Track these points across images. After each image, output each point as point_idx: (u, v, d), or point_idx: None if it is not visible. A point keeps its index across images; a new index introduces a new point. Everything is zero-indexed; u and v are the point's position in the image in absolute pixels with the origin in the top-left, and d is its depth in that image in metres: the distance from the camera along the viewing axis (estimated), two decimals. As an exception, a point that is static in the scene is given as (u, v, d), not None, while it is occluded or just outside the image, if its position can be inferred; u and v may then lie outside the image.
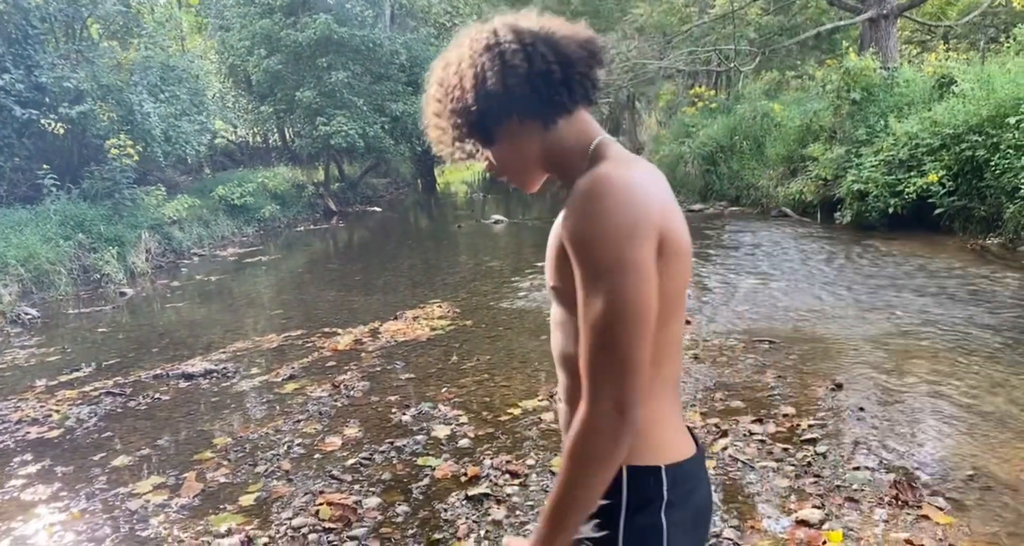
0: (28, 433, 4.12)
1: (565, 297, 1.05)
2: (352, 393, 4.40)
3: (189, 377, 4.93)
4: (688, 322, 5.42)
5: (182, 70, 12.86)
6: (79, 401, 4.62)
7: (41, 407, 4.53)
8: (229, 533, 2.87)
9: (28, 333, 6.73)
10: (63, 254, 8.79)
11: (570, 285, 0.98)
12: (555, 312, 1.12)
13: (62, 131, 9.87)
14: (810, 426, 3.50)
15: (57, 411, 4.44)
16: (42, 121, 9.75)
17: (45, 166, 9.87)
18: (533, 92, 1.03)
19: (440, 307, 6.35)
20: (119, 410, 4.43)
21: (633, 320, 0.92)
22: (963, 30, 15.36)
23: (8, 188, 10.09)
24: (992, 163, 7.02)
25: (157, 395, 4.63)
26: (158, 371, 5.11)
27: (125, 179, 10.32)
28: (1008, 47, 9.36)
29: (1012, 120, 6.96)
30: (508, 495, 3.05)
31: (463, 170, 27.49)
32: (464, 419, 3.86)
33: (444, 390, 4.33)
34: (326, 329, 5.92)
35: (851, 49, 10.48)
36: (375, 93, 15.90)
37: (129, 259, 9.69)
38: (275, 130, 19.62)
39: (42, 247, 8.48)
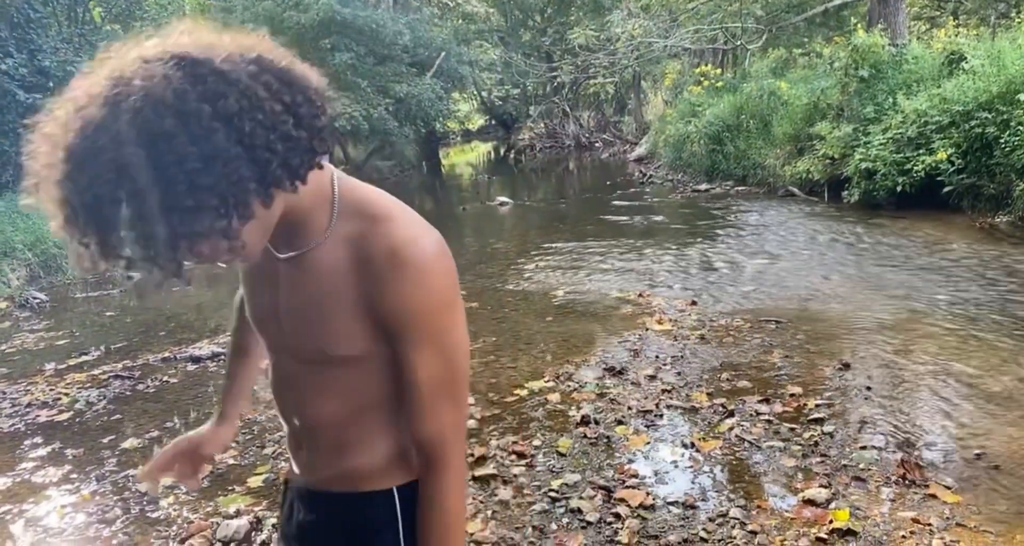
0: (38, 416, 4.15)
1: (345, 357, 0.99)
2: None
3: (197, 360, 4.95)
4: (694, 303, 5.40)
5: (185, 53, 12.78)
6: (88, 384, 4.65)
7: (51, 390, 4.56)
8: (238, 514, 2.90)
9: (37, 317, 6.76)
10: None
11: (359, 349, 0.97)
12: (312, 374, 1.03)
13: (66, 115, 9.86)
14: (817, 406, 3.50)
15: (66, 394, 4.47)
16: (46, 105, 9.72)
17: (50, 151, 9.86)
18: (287, 153, 0.82)
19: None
20: (128, 393, 4.45)
21: (465, 379, 1.04)
22: (973, 5, 15.15)
23: (14, 173, 10.09)
24: (1002, 140, 6.95)
25: (165, 378, 4.66)
26: (166, 354, 5.14)
27: (130, 163, 10.31)
28: (1019, 22, 9.23)
29: (1023, 97, 6.88)
30: (515, 476, 3.06)
31: (468, 152, 27.41)
32: (470, 400, 3.87)
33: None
34: (332, 312, 5.92)
35: (859, 26, 10.35)
36: (379, 75, 15.80)
37: (135, 243, 9.71)
38: (279, 113, 19.53)
39: (49, 231, 8.49)
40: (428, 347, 0.96)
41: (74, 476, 3.38)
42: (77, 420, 4.08)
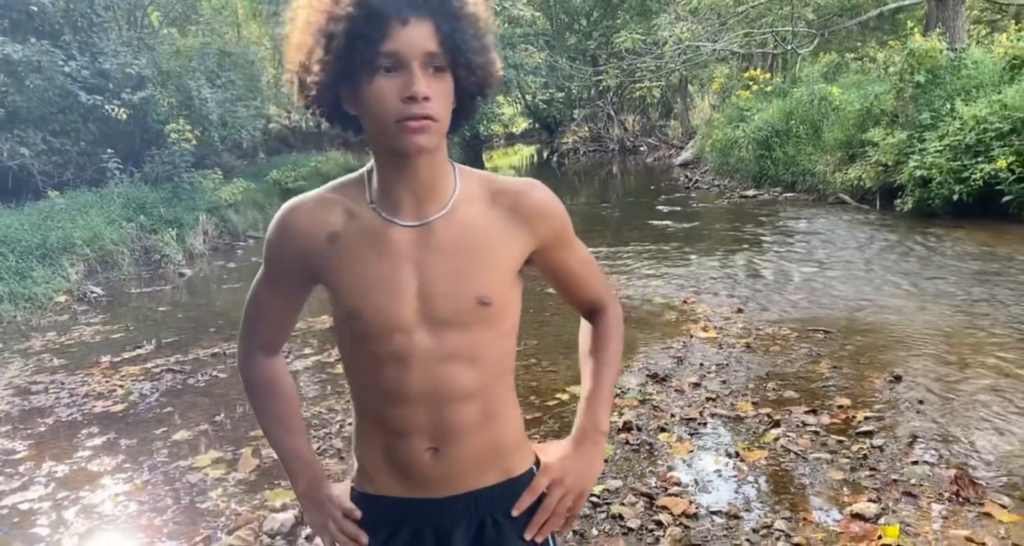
0: (94, 407, 4.29)
1: (497, 309, 1.08)
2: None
3: (245, 356, 5.06)
4: (740, 310, 5.33)
5: (238, 56, 13.11)
6: (142, 377, 4.79)
7: (106, 382, 4.72)
8: (284, 508, 2.95)
9: (94, 311, 6.99)
10: (126, 235, 9.09)
11: (505, 293, 1.09)
12: (465, 339, 1.07)
13: (124, 116, 10.16)
14: (866, 418, 3.42)
15: (121, 386, 4.61)
16: (106, 107, 10.05)
17: (109, 150, 10.19)
18: None
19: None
20: (179, 386, 4.58)
21: None
22: (1037, 9, 14.62)
23: (75, 171, 10.45)
24: (1066, 148, 6.69)
25: (215, 373, 4.77)
26: (215, 349, 5.27)
27: (184, 163, 10.58)
28: (1087, 26, 8.88)
29: (1089, 103, 6.62)
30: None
31: (511, 155, 27.47)
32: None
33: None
34: (377, 312, 5.99)
35: (916, 29, 10.09)
36: (425, 78, 15.93)
37: (188, 241, 9.97)
38: (327, 115, 19.83)
39: (106, 228, 8.78)
40: (575, 241, 1.19)
41: (127, 465, 3.49)
42: (131, 411, 4.21)
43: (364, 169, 1.10)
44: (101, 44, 10.48)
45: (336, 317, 1.12)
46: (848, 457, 3.08)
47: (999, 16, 16.30)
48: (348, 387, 1.19)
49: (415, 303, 1.04)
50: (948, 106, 8.43)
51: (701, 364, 4.30)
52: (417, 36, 0.93)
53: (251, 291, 1.19)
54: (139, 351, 5.40)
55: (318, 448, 3.51)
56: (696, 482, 2.98)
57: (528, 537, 1.15)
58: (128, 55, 10.66)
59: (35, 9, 9.95)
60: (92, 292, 7.53)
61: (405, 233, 1.05)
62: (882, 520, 2.59)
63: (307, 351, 5.12)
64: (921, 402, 3.56)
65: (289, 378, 1.27)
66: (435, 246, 1.04)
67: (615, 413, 3.64)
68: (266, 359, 1.23)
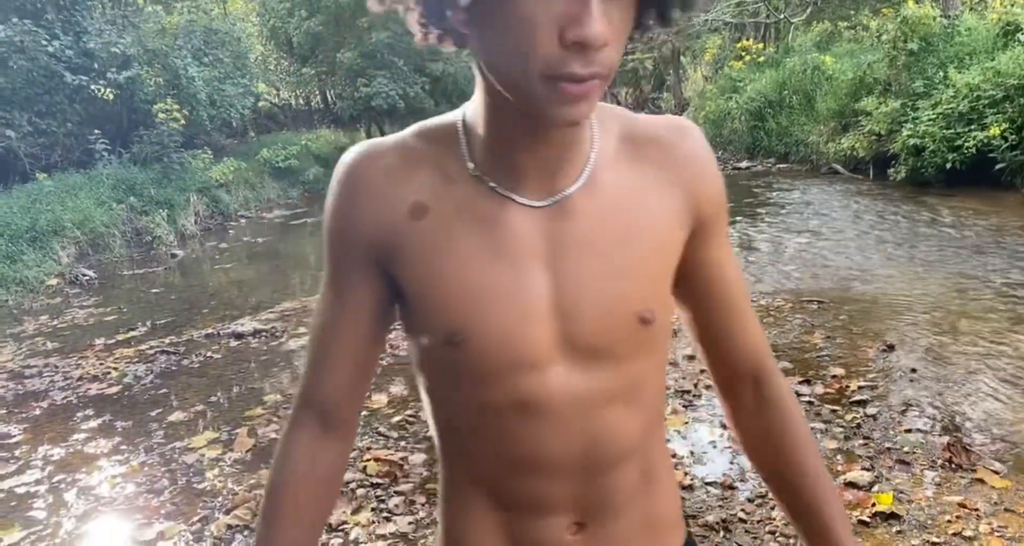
0: (89, 389, 4.29)
1: (659, 326, 0.73)
2: (398, 352, 4.45)
3: (239, 336, 5.05)
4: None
5: (225, 33, 12.93)
6: (136, 359, 4.78)
7: (100, 364, 4.70)
8: (281, 487, 2.96)
9: (86, 293, 6.96)
10: (116, 217, 9.03)
11: (667, 300, 0.75)
12: (621, 374, 0.72)
13: (111, 96, 10.04)
14: (860, 387, 3.44)
15: (115, 368, 4.60)
16: (92, 87, 9.92)
17: (96, 131, 10.08)
18: None
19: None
20: (173, 368, 4.57)
21: None
22: (1032, -27, 14.49)
23: (62, 153, 10.35)
24: (1060, 115, 6.68)
25: (209, 354, 4.77)
26: (209, 330, 5.25)
27: (173, 143, 10.49)
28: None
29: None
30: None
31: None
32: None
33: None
34: (370, 290, 5.98)
35: (910, -4, 9.99)
36: (416, 53, 15.77)
37: (179, 221, 9.91)
38: (317, 92, 19.68)
39: (96, 210, 8.72)
40: (729, 243, 0.80)
41: (124, 447, 3.49)
42: (126, 393, 4.20)
43: (456, 114, 0.73)
44: (85, 23, 10.32)
45: (416, 339, 0.74)
46: (842, 426, 3.10)
47: (993, -18, 16.15)
48: (437, 443, 0.81)
49: (551, 324, 0.69)
50: (941, 74, 8.38)
51: (695, 337, 4.31)
52: None
53: (314, 315, 0.79)
54: (132, 333, 5.39)
55: (314, 427, 3.52)
56: (691, 454, 2.99)
57: None
58: (113, 34, 10.51)
59: (15, -13, 9.78)
60: (84, 275, 7.50)
61: (530, 216, 0.69)
62: (876, 488, 2.62)
63: (302, 330, 5.11)
64: (914, 371, 3.58)
65: (340, 482, 0.84)
66: (573, 235, 0.69)
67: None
68: (320, 437, 0.79)
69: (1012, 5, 9.27)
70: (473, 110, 0.70)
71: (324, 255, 0.76)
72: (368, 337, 0.76)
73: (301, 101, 21.24)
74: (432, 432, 0.81)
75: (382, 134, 18.59)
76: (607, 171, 0.70)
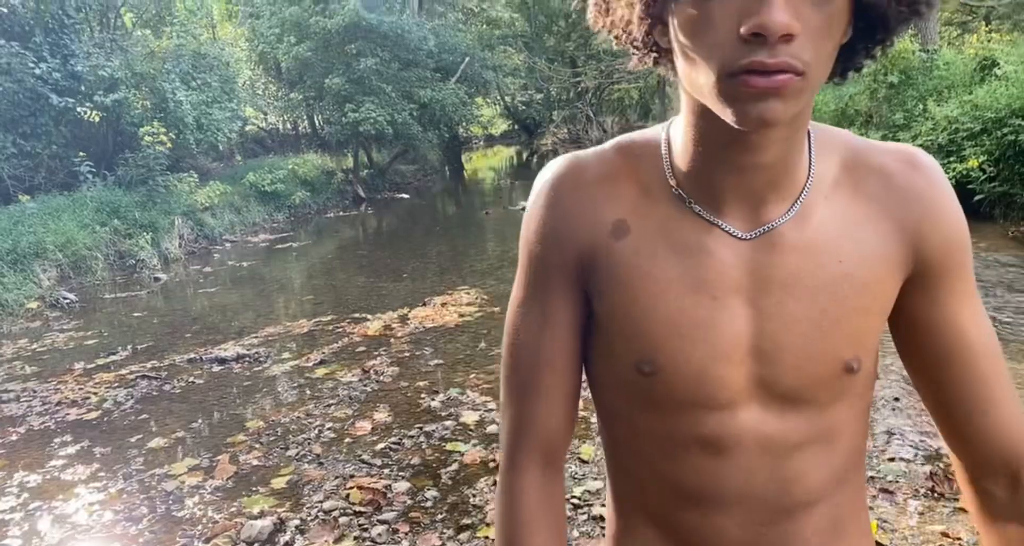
0: (68, 414, 4.22)
1: (864, 374, 0.68)
2: (382, 378, 4.43)
3: (222, 361, 5.01)
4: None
5: (213, 58, 12.97)
6: (116, 384, 4.71)
7: (80, 389, 4.64)
8: (262, 515, 2.92)
9: (67, 317, 6.88)
10: (99, 240, 8.96)
11: (876, 348, 0.69)
12: (818, 420, 0.67)
13: (97, 119, 10.03)
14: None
15: (95, 393, 4.54)
16: (78, 109, 9.90)
17: (81, 153, 10.05)
18: None
19: (468, 294, 6.36)
20: (155, 393, 4.51)
21: None
22: (1006, 10, 14.90)
23: (46, 175, 10.29)
24: (1035, 148, 6.82)
25: (191, 379, 4.71)
26: (192, 355, 5.20)
27: (159, 166, 10.46)
28: (1054, 28, 9.06)
29: (1057, 103, 6.75)
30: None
31: (491, 157, 27.47)
32: (492, 405, 3.87)
33: (472, 376, 4.34)
34: (356, 315, 5.97)
35: (889, 31, 10.21)
36: (403, 80, 15.90)
37: (163, 245, 9.85)
38: (305, 117, 19.74)
39: (79, 233, 8.65)
40: (972, 292, 0.68)
41: (102, 474, 3.43)
42: (105, 419, 4.14)
43: (659, 128, 0.70)
44: (73, 46, 10.33)
45: (603, 363, 0.72)
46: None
47: (970, 18, 16.60)
48: (609, 472, 0.79)
49: (748, 365, 0.65)
50: (921, 106, 8.56)
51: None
52: None
53: (506, 338, 0.75)
54: (113, 357, 5.32)
55: (297, 454, 3.48)
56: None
57: None
58: (100, 57, 10.52)
59: (4, 10, 9.79)
60: (65, 298, 7.41)
61: (734, 247, 0.64)
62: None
63: (285, 355, 5.07)
64: (897, 400, 3.60)
65: (563, 513, 0.79)
66: (780, 273, 0.64)
67: (595, 414, 3.64)
68: (547, 483, 0.75)
69: (989, 41, 9.52)
70: (677, 126, 0.66)
71: (522, 272, 0.73)
72: (576, 361, 0.73)
73: (288, 126, 21.30)
74: (605, 459, 0.79)
75: (369, 159, 18.65)
76: (822, 203, 0.65)
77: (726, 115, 0.56)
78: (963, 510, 2.62)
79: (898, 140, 8.41)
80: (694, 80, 0.58)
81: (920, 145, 7.95)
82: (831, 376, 0.65)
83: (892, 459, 3.02)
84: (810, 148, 0.65)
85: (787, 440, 0.66)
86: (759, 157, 0.61)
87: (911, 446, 3.13)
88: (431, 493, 3.02)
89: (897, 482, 2.85)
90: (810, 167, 0.65)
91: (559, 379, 0.73)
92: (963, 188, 7.44)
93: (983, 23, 15.57)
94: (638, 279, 0.66)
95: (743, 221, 0.64)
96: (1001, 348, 0.69)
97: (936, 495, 2.72)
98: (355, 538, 2.72)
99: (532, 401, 0.74)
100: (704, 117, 0.61)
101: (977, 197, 7.36)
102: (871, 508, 2.67)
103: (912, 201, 0.65)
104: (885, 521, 2.58)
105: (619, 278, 0.66)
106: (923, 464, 2.96)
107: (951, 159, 7.63)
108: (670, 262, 0.65)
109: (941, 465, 2.94)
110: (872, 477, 2.90)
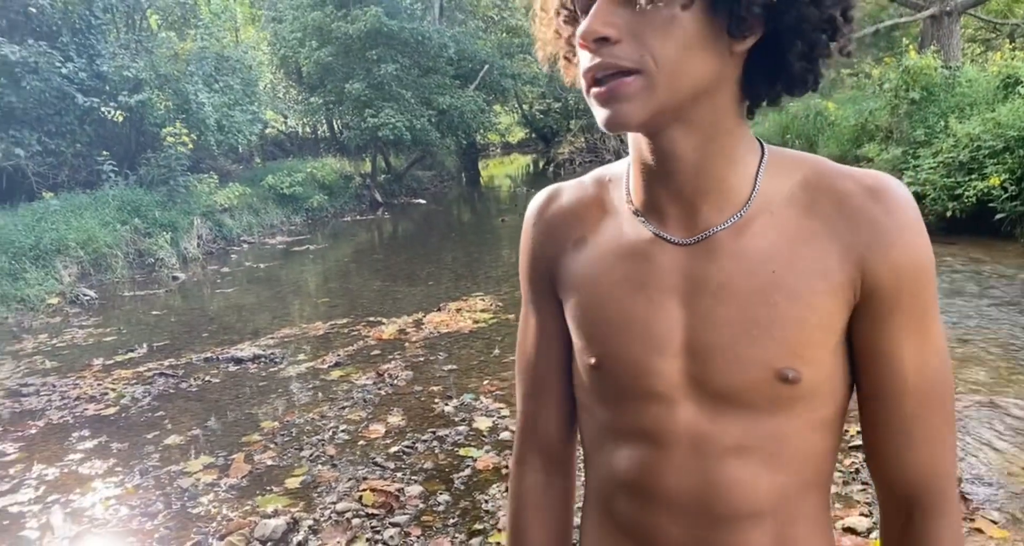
0: (86, 410, 4.27)
1: (808, 388, 0.66)
2: (396, 382, 4.45)
3: (238, 361, 5.05)
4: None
5: (236, 61, 13.12)
6: (134, 381, 4.77)
7: (98, 385, 4.69)
8: (275, 514, 2.94)
9: (86, 313, 6.96)
10: (120, 238, 9.07)
11: (825, 363, 0.67)
12: (757, 426, 0.68)
13: (121, 119, 10.18)
14: (858, 433, 3.42)
15: (113, 389, 4.59)
16: (102, 109, 10.06)
17: (104, 152, 10.18)
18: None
19: (483, 300, 6.38)
20: (171, 391, 4.56)
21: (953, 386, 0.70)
22: (1030, 28, 14.80)
23: (70, 173, 10.44)
24: (1058, 167, 6.76)
25: (207, 378, 4.76)
26: (208, 354, 5.25)
27: (180, 166, 10.58)
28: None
29: (1081, 123, 6.70)
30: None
31: (507, 164, 27.54)
32: (506, 412, 3.88)
33: (486, 382, 4.35)
34: (371, 318, 6.00)
35: (911, 47, 10.19)
36: (423, 86, 16.00)
37: (182, 244, 9.95)
38: (324, 121, 19.89)
39: (100, 231, 8.76)
40: (921, 328, 0.66)
41: (119, 469, 3.47)
42: (123, 415, 4.18)
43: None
44: (99, 46, 10.49)
45: (575, 360, 0.79)
46: (840, 471, 3.09)
47: (993, 35, 16.50)
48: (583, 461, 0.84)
49: (680, 361, 0.68)
50: (942, 123, 8.51)
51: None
52: None
53: (517, 347, 0.85)
54: (131, 354, 5.38)
55: (311, 454, 3.50)
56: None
57: None
58: (126, 58, 10.67)
59: (33, 10, 9.96)
60: (85, 295, 7.50)
61: (672, 253, 0.69)
62: (873, 535, 2.60)
63: (301, 357, 5.11)
64: (913, 417, 3.58)
65: (571, 511, 0.89)
66: (713, 277, 0.67)
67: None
68: (544, 480, 0.86)
69: (1012, 59, 9.46)
70: None
71: (521, 287, 0.84)
72: (567, 365, 0.80)
73: (308, 129, 21.47)
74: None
75: (387, 164, 18.72)
76: (766, 216, 0.67)
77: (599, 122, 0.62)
78: (979, 530, 2.59)
79: (918, 156, 8.39)
80: None
81: (941, 162, 7.94)
82: (762, 382, 0.65)
83: (907, 477, 3.00)
84: (762, 163, 0.68)
85: (721, 442, 0.68)
86: (674, 164, 0.66)
87: (927, 464, 3.11)
88: (443, 497, 3.03)
89: (912, 500, 2.83)
90: (757, 181, 0.67)
91: (554, 383, 0.82)
92: (984, 206, 7.39)
93: (1007, 41, 15.47)
94: (590, 284, 0.73)
95: (683, 229, 0.68)
96: (946, 387, 0.67)
97: (952, 514, 2.70)
98: (367, 540, 2.73)
99: (532, 403, 0.84)
100: (630, 135, 0.68)
101: (998, 216, 7.30)
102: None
103: (863, 226, 0.64)
104: (900, 539, 2.56)
105: (575, 284, 0.75)
106: (939, 483, 2.94)
107: (972, 177, 7.58)
108: (617, 268, 0.71)
109: (957, 484, 2.92)
110: (887, 494, 2.87)
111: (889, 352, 0.65)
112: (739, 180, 0.67)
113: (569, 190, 0.79)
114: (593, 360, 0.73)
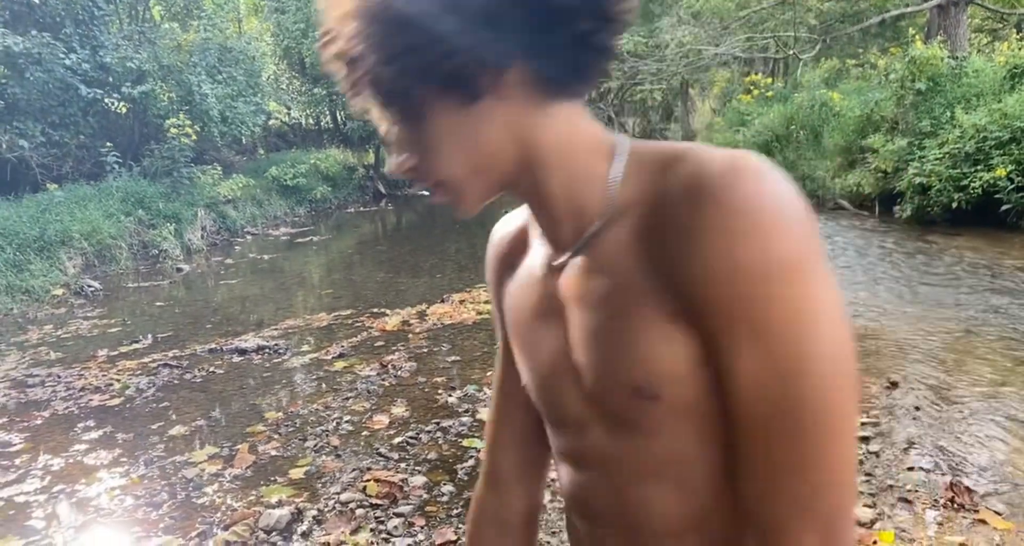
0: (91, 400, 4.29)
1: (671, 405, 0.60)
2: (400, 373, 4.46)
3: (242, 352, 5.06)
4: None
5: (239, 52, 13.10)
6: (138, 371, 4.78)
7: (103, 376, 4.71)
8: (280, 504, 2.95)
9: (91, 305, 6.98)
10: (124, 229, 9.09)
11: (684, 379, 0.59)
12: (653, 445, 0.63)
13: (124, 110, 10.19)
14: (863, 424, 3.43)
15: (118, 380, 4.61)
16: (106, 100, 10.06)
17: (108, 144, 10.19)
18: (553, 34, 0.58)
19: (486, 292, 6.36)
20: (175, 382, 4.57)
21: (840, 411, 0.56)
22: (1038, 18, 14.68)
23: (74, 165, 10.45)
24: (1065, 158, 6.72)
25: (211, 368, 4.77)
26: (212, 345, 5.26)
27: (183, 158, 10.59)
28: (1087, 36, 8.92)
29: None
30: (552, 480, 3.06)
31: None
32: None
33: (489, 374, 4.35)
34: (375, 309, 6.00)
35: (917, 37, 10.12)
36: (427, 77, 15.93)
37: (185, 236, 9.97)
38: (327, 112, 19.84)
39: (105, 222, 8.77)
40: (762, 345, 0.54)
41: (124, 459, 3.48)
42: (127, 406, 4.20)
43: None
44: (102, 37, 10.47)
45: None
46: (844, 462, 3.08)
47: (1000, 25, 16.37)
48: None
49: (573, 380, 0.67)
50: (948, 114, 8.46)
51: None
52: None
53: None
54: (136, 345, 5.40)
55: (315, 445, 3.51)
56: None
57: None
58: (129, 49, 10.65)
59: (36, 1, 9.95)
60: (89, 286, 7.52)
61: (552, 275, 0.69)
62: (877, 526, 2.60)
63: (304, 348, 5.12)
64: (917, 409, 3.57)
65: (518, 529, 0.89)
66: (574, 296, 0.66)
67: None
68: (490, 495, 0.88)
69: (1020, 49, 9.38)
70: None
71: None
72: (520, 394, 0.79)
73: (311, 121, 21.42)
74: None
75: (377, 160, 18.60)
76: (613, 228, 0.62)
77: None
78: (983, 521, 2.59)
79: (924, 147, 8.34)
80: None
81: (947, 153, 7.88)
82: (624, 396, 0.62)
83: (911, 468, 3.00)
84: (624, 169, 0.63)
85: (628, 464, 0.65)
86: (527, 197, 0.67)
87: (930, 456, 3.11)
88: (447, 488, 3.04)
89: (916, 492, 2.82)
90: (611, 197, 0.63)
91: (511, 408, 0.84)
92: (990, 197, 7.36)
93: (1014, 31, 15.34)
94: (515, 312, 0.75)
95: (559, 251, 0.68)
96: (803, 415, 0.54)
97: (956, 506, 2.70)
98: (371, 530, 2.74)
99: (489, 426, 0.87)
100: None
101: (1004, 207, 7.27)
102: (889, 517, 2.65)
103: (669, 232, 0.57)
104: (903, 530, 2.56)
105: (507, 313, 0.78)
106: (943, 474, 2.94)
107: (978, 168, 7.54)
108: (529, 296, 0.73)
109: (961, 475, 2.92)
110: (891, 486, 2.88)
111: (725, 371, 0.56)
112: (590, 196, 0.63)
113: (512, 219, 0.81)
114: (526, 388, 0.75)
